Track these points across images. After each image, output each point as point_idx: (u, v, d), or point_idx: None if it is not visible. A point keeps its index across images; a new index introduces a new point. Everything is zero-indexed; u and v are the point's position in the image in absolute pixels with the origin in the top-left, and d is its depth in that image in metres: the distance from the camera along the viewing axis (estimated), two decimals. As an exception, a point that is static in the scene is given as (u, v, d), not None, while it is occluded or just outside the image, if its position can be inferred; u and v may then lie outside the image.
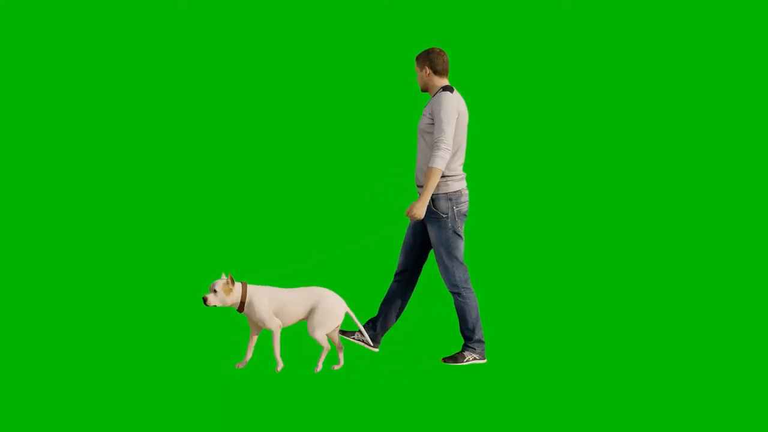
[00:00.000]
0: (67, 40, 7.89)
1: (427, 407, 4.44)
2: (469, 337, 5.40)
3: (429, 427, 4.10)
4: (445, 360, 5.38)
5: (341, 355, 5.28)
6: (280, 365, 5.13)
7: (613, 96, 8.05)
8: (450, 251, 5.36)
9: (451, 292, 5.40)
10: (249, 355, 5.24)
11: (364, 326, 5.51)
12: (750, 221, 7.81)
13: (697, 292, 7.36)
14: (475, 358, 5.38)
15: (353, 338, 5.48)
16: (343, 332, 5.49)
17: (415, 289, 5.65)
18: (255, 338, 5.24)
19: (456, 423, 4.16)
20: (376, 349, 5.52)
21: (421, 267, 5.58)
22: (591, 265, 7.71)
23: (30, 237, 7.65)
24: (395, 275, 5.58)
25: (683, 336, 6.20)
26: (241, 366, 5.20)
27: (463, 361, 5.36)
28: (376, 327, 5.54)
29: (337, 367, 5.23)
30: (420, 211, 5.23)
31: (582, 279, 7.56)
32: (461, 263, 5.39)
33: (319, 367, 5.14)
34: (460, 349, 5.42)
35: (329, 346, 5.23)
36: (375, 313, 5.63)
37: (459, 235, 5.36)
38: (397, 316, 5.57)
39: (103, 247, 7.66)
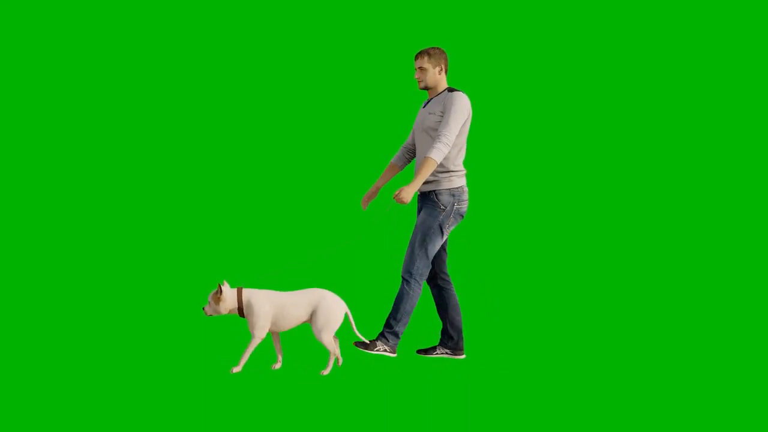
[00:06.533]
0: (66, 41, 7.92)
1: (402, 402, 4.46)
2: (390, 325, 5.33)
3: (417, 423, 4.15)
4: (357, 344, 5.33)
5: (338, 353, 5.29)
6: (238, 369, 5.09)
7: (609, 95, 8.06)
8: (425, 240, 5.32)
9: (402, 278, 5.32)
10: (280, 354, 5.27)
11: (441, 341, 5.56)
12: (744, 222, 7.83)
13: (692, 289, 7.39)
14: (385, 350, 5.31)
15: (436, 354, 5.52)
16: (423, 351, 5.53)
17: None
18: (278, 337, 5.27)
19: (438, 420, 4.19)
20: (464, 356, 5.55)
21: (446, 263, 5.60)
22: (587, 264, 7.74)
23: (27, 241, 7.63)
24: (428, 282, 5.61)
25: (675, 334, 6.25)
26: (277, 366, 5.22)
27: (373, 350, 5.30)
28: (452, 335, 5.56)
29: (339, 363, 5.28)
30: (407, 195, 5.16)
31: (578, 278, 7.60)
32: (427, 258, 5.33)
33: (328, 370, 5.13)
34: (376, 336, 5.39)
35: (336, 351, 5.21)
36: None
37: (442, 232, 5.35)
38: (459, 314, 5.57)
39: (102, 251, 7.64)
